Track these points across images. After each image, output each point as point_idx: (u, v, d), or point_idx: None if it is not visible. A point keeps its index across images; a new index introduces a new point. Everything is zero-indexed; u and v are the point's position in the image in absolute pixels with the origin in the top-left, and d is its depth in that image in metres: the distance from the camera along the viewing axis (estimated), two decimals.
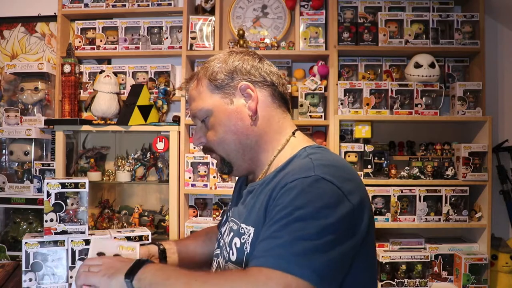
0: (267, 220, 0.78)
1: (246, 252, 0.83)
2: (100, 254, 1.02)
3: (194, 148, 2.50)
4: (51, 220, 1.28)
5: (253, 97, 0.91)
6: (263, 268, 0.70)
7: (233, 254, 0.87)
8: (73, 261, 1.31)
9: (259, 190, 0.87)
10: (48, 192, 1.28)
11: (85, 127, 2.38)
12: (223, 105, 0.92)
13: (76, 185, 1.31)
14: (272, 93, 0.94)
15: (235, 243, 0.87)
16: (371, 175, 2.28)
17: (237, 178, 1.13)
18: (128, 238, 1.35)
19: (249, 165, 0.94)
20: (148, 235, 1.37)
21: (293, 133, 0.95)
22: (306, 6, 2.47)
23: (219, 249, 0.98)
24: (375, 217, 2.01)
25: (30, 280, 1.28)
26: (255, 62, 0.95)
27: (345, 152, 2.30)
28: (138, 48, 2.56)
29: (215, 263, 0.99)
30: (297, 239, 0.71)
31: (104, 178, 2.49)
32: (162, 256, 1.13)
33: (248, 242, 0.83)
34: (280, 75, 0.99)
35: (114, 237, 1.30)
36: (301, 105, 2.39)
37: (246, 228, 0.85)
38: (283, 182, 0.79)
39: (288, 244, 0.70)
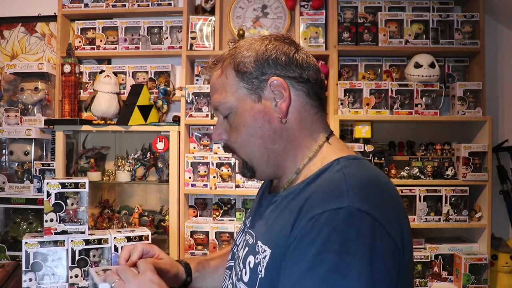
0: (291, 250, 0.69)
1: (260, 275, 0.74)
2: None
3: (194, 148, 2.50)
4: (51, 220, 1.28)
5: (285, 96, 0.79)
6: None
7: (245, 273, 0.78)
8: (73, 261, 1.31)
9: (283, 204, 0.78)
10: (48, 192, 1.28)
11: (85, 127, 2.38)
12: (249, 102, 0.80)
13: (76, 185, 1.31)
14: (307, 92, 0.81)
15: (249, 262, 0.78)
16: None
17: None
18: (128, 238, 1.35)
19: (274, 171, 0.84)
20: (148, 235, 1.37)
21: (327, 138, 0.83)
22: (306, 6, 2.47)
23: (233, 261, 0.91)
24: None
25: (30, 280, 1.28)
26: (291, 53, 0.82)
27: None
28: (138, 48, 2.56)
29: (227, 276, 0.91)
30: None
31: (104, 178, 2.50)
32: (188, 272, 1.03)
33: (263, 265, 0.74)
34: (318, 68, 0.85)
35: None
36: None
37: (262, 247, 0.76)
38: (311, 212, 0.68)
39: None
